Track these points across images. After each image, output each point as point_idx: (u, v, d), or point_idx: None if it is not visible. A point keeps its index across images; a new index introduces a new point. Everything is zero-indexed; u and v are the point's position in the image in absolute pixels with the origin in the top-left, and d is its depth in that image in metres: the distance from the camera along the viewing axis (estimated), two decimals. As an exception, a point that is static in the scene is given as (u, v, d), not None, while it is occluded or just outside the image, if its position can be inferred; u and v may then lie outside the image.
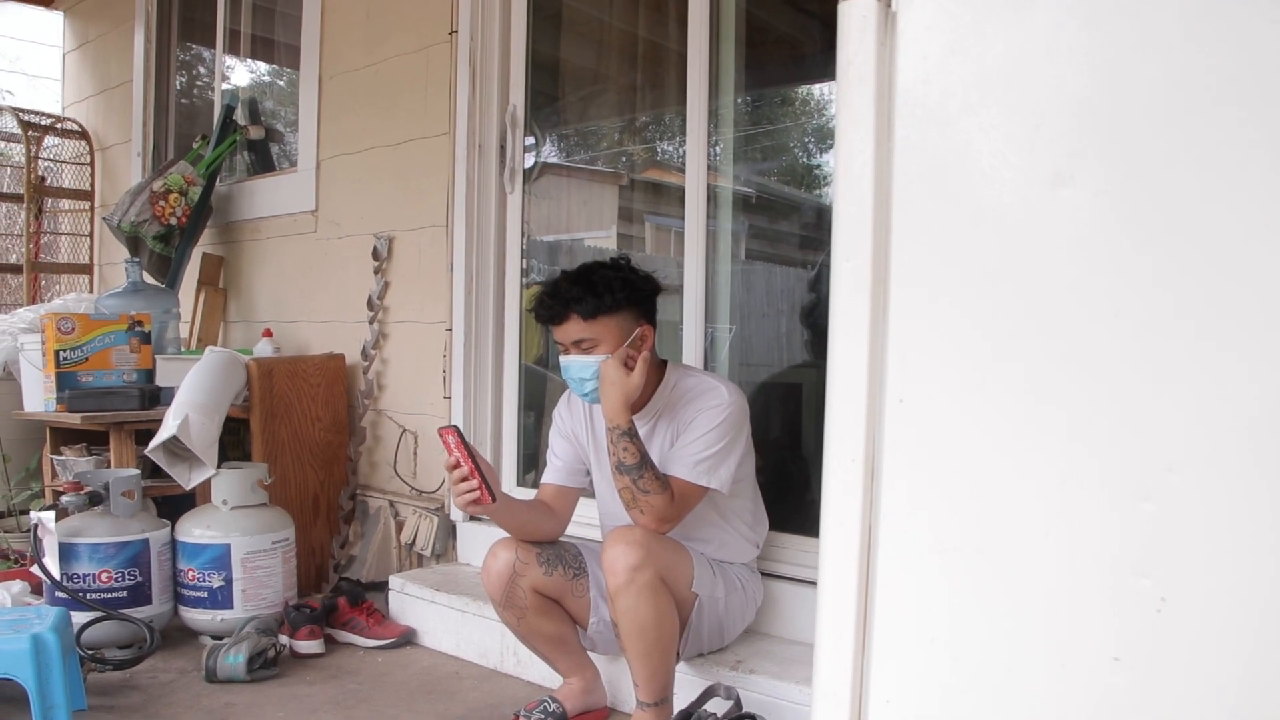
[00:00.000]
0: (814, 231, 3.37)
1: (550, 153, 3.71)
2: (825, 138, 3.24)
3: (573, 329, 2.27)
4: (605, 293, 2.24)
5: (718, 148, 3.01)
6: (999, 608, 1.02)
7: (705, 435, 2.24)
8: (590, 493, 2.55)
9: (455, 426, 2.17)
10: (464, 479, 2.15)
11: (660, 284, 2.38)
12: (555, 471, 2.49)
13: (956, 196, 1.03)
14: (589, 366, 2.26)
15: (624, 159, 3.70)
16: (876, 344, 1.08)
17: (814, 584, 2.55)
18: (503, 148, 3.38)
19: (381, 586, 3.29)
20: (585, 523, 2.72)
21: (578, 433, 2.50)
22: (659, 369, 2.40)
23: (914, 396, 1.07)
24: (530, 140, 3.47)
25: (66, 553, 2.85)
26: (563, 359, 2.33)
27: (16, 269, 5.24)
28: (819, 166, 3.42)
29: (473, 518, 3.36)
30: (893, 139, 1.06)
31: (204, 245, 4.46)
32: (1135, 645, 0.94)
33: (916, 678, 1.07)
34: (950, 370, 1.04)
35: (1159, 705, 0.93)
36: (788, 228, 3.45)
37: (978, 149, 1.01)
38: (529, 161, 3.48)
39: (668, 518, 2.21)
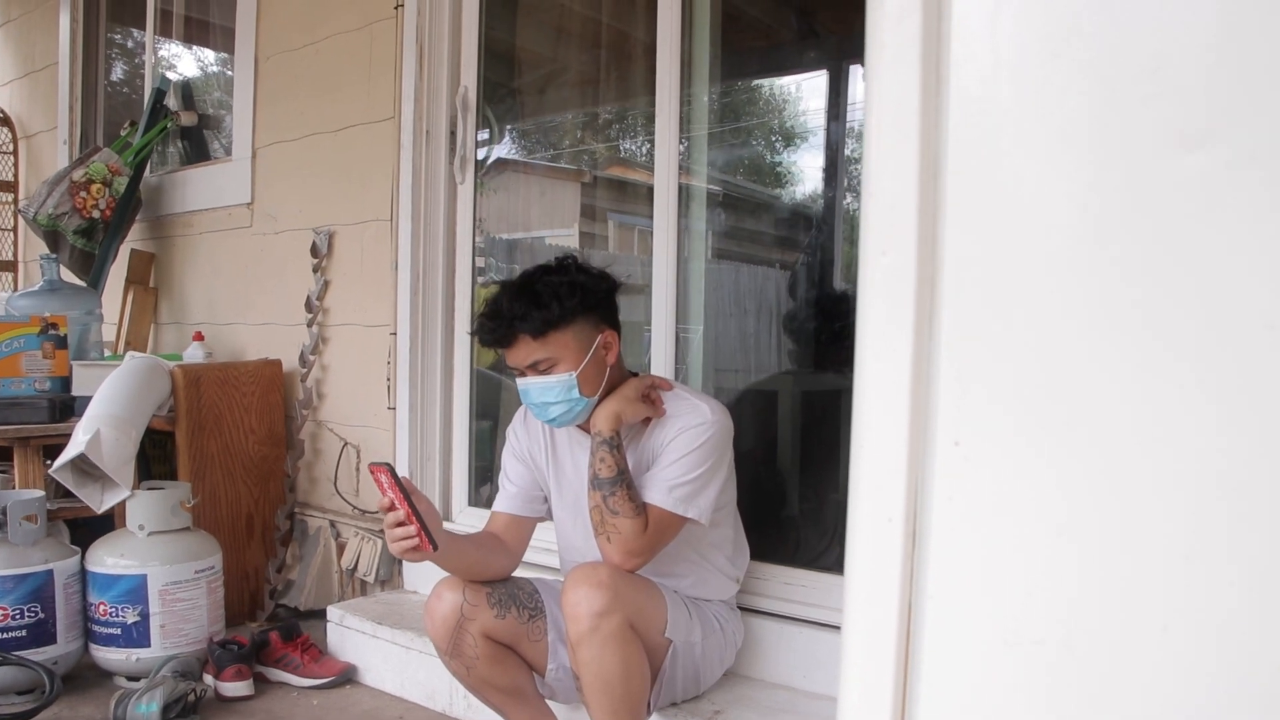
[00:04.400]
0: (789, 230, 3.11)
1: (510, 148, 3.42)
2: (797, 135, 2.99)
3: (524, 351, 1.97)
4: (553, 303, 1.94)
5: (685, 145, 2.72)
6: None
7: (685, 458, 1.96)
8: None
9: (388, 464, 1.85)
10: (400, 523, 1.84)
11: (616, 280, 2.09)
12: (509, 499, 2.18)
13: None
14: (552, 388, 1.97)
15: (586, 156, 3.41)
16: (922, 365, 0.80)
17: (800, 621, 2.30)
18: (453, 134, 3.08)
19: (322, 614, 2.97)
20: (545, 548, 2.43)
21: (535, 455, 2.20)
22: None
23: (975, 437, 0.79)
24: (485, 135, 3.18)
25: (-46, 588, 2.52)
26: (520, 382, 2.03)
27: (-69, 267, 4.86)
28: (794, 161, 3.17)
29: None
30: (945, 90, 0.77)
31: (133, 241, 4.12)
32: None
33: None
34: (1029, 398, 0.76)
35: None
36: (763, 225, 3.18)
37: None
38: (483, 153, 3.18)
39: (636, 550, 1.91)
